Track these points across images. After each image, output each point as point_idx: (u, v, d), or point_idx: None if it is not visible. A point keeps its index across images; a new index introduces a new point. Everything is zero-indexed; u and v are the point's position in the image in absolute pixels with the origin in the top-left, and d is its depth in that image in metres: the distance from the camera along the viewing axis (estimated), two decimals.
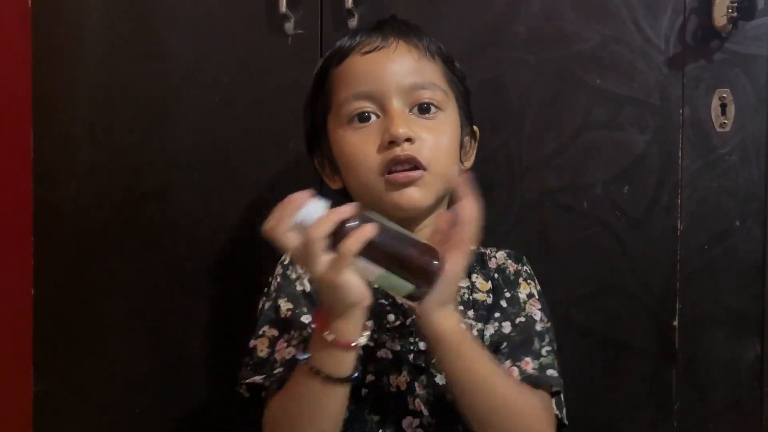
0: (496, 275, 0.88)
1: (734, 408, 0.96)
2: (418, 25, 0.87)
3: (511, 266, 0.89)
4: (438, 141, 0.82)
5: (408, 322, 0.81)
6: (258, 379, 0.79)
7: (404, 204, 0.81)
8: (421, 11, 0.99)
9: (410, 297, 0.72)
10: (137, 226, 1.09)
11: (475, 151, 0.91)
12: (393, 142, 0.79)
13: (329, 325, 0.70)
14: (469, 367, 0.74)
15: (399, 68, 0.82)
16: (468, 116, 0.89)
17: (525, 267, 0.90)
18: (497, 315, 0.84)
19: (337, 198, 0.83)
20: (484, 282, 0.87)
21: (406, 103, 0.82)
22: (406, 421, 0.79)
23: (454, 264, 0.71)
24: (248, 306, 1.06)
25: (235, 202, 1.06)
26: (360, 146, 0.81)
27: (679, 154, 0.96)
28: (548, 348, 0.84)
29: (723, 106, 0.95)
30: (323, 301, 0.72)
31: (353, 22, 1.02)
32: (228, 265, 1.07)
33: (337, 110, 0.83)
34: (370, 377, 0.80)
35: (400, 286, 0.70)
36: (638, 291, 0.98)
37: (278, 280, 0.85)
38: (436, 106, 0.83)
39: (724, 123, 0.95)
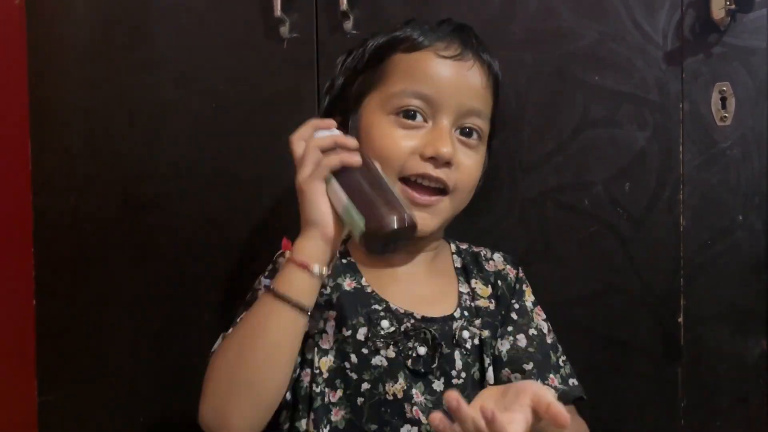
0: (498, 282, 0.87)
1: (741, 405, 0.95)
2: (491, 51, 0.86)
3: (511, 272, 0.89)
4: (470, 169, 0.83)
5: (402, 328, 0.80)
6: (222, 337, 0.79)
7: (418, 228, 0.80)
8: (417, 12, 0.98)
9: (361, 237, 0.73)
10: (137, 235, 1.08)
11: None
12: (433, 158, 0.79)
13: (292, 245, 0.73)
14: None
15: (467, 88, 0.82)
16: (489, 153, 0.89)
17: (521, 272, 0.91)
18: (510, 329, 0.84)
19: None
20: (484, 287, 0.87)
21: (455, 122, 0.82)
22: (404, 430, 0.78)
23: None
24: None
25: (233, 209, 1.06)
26: (397, 142, 0.80)
27: (680, 150, 0.96)
28: (563, 358, 0.86)
29: (723, 100, 0.94)
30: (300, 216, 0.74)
31: (348, 25, 1.01)
32: (227, 272, 1.06)
33: (388, 96, 0.81)
34: (365, 386, 0.79)
35: (355, 221, 0.73)
36: (641, 289, 0.97)
37: (270, 267, 0.86)
38: (479, 137, 0.83)
39: (725, 117, 0.94)
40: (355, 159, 0.73)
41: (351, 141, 0.75)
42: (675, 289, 0.96)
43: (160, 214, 1.08)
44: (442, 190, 0.81)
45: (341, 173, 0.74)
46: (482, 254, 0.91)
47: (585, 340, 0.98)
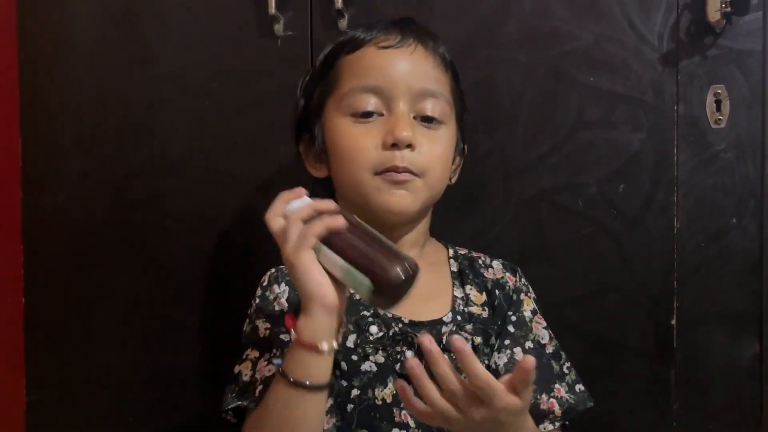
0: (496, 291, 0.86)
1: (733, 407, 0.95)
2: (436, 34, 0.86)
3: (510, 280, 0.88)
4: (436, 151, 0.81)
5: (391, 333, 0.80)
6: (241, 403, 0.77)
7: (394, 206, 0.80)
8: (412, 11, 0.98)
9: (370, 296, 0.70)
10: (127, 233, 1.07)
11: (459, 169, 0.91)
12: (395, 145, 0.79)
13: (296, 325, 0.71)
14: None
15: (414, 71, 0.81)
16: (462, 133, 0.89)
17: (522, 279, 0.90)
18: (507, 342, 0.83)
19: (316, 188, 0.84)
20: (479, 294, 0.86)
21: (412, 108, 0.81)
22: None
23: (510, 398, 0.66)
24: (241, 313, 1.05)
25: (226, 208, 1.05)
26: (359, 140, 0.80)
27: (674, 152, 0.96)
28: (567, 364, 0.85)
29: (718, 102, 0.94)
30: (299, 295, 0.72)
31: (343, 23, 1.01)
32: (219, 272, 1.05)
33: (341, 98, 0.82)
34: (355, 392, 0.78)
35: (360, 282, 0.70)
36: (635, 291, 0.97)
37: (257, 301, 0.85)
38: (438, 119, 0.82)
39: (719, 119, 0.94)
40: (339, 221, 0.70)
41: (329, 204, 0.73)
42: (668, 290, 0.96)
43: (152, 213, 1.07)
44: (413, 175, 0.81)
45: (329, 238, 0.70)
46: (480, 260, 0.90)
47: (579, 340, 0.97)
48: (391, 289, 0.69)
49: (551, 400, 0.81)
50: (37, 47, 1.10)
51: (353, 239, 0.71)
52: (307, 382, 0.70)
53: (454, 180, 0.89)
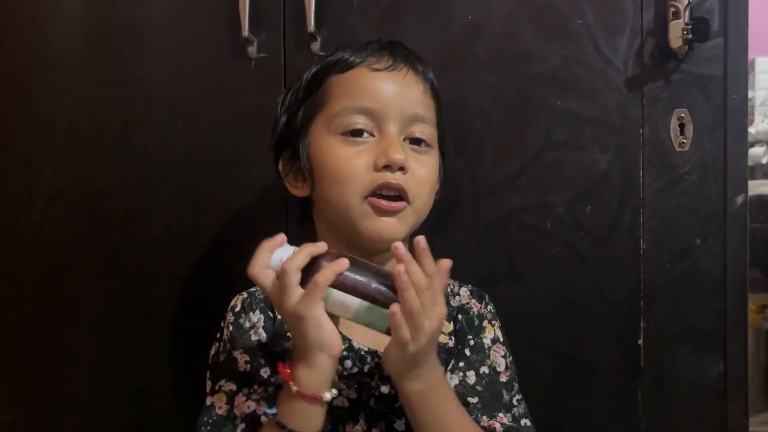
0: (459, 316, 0.86)
1: (700, 424, 0.97)
2: (425, 60, 0.87)
3: (475, 306, 0.87)
4: (425, 176, 0.81)
5: (366, 369, 0.79)
6: None
7: (383, 234, 0.79)
8: (382, 33, 0.99)
9: (389, 327, 0.70)
10: (101, 252, 1.08)
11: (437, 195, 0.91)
12: (387, 167, 0.78)
13: (294, 375, 0.69)
14: (429, 423, 0.72)
15: (405, 95, 0.81)
16: (442, 156, 0.89)
17: (489, 306, 0.89)
18: (461, 364, 0.82)
19: (291, 206, 0.83)
20: (447, 323, 0.84)
21: (402, 131, 0.81)
22: None
23: (391, 350, 0.70)
24: (217, 330, 1.06)
25: (200, 226, 1.05)
26: (349, 162, 0.79)
27: (640, 174, 0.97)
28: (518, 396, 0.84)
29: (681, 126, 0.96)
30: (294, 346, 0.70)
31: (316, 46, 1.02)
32: (194, 291, 1.06)
33: (331, 117, 0.80)
34: (325, 427, 0.76)
35: (380, 316, 0.69)
36: (603, 310, 0.98)
37: (230, 329, 0.81)
38: (427, 143, 0.83)
39: (683, 142, 0.96)
40: (344, 263, 0.69)
41: (321, 246, 0.71)
42: (635, 309, 0.97)
43: (126, 231, 1.07)
44: (402, 198, 0.80)
45: (333, 282, 0.69)
46: (449, 288, 0.89)
47: (547, 359, 0.98)
48: None
49: (492, 421, 0.79)
50: (13, 64, 1.10)
51: (359, 277, 0.69)
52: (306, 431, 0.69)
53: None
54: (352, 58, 0.83)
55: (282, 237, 0.72)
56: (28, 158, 1.10)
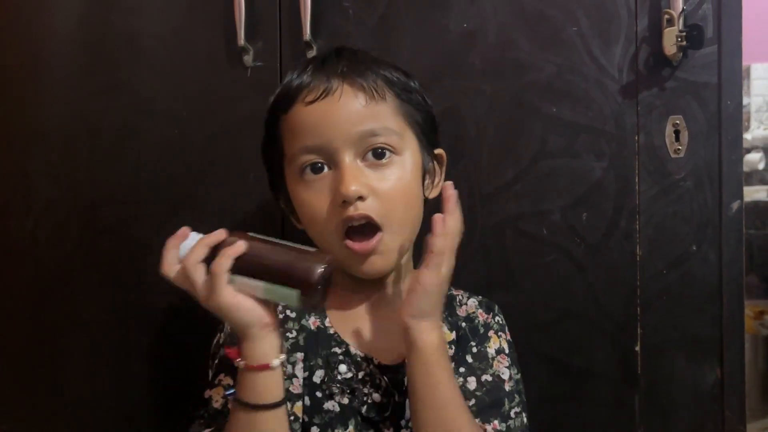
0: (463, 324, 0.86)
1: (697, 431, 0.96)
2: (364, 56, 0.83)
3: (481, 316, 0.87)
4: (392, 192, 0.78)
5: (360, 375, 0.79)
6: (209, 430, 0.76)
7: (371, 273, 0.80)
8: (377, 42, 1.00)
9: (300, 304, 0.70)
10: (96, 261, 1.08)
11: (442, 177, 0.88)
12: (346, 202, 0.77)
13: (241, 353, 0.71)
14: (435, 387, 0.74)
15: (346, 118, 0.78)
16: (431, 143, 0.85)
17: (497, 317, 0.89)
18: (462, 370, 0.82)
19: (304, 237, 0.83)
20: (449, 332, 0.85)
21: (357, 152, 0.78)
22: None
23: (426, 275, 0.74)
24: (213, 340, 1.05)
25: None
26: (314, 203, 0.79)
27: (636, 180, 0.97)
28: (517, 409, 0.82)
29: (676, 133, 0.96)
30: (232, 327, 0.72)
31: (312, 54, 1.02)
32: (189, 300, 1.05)
33: (290, 161, 0.81)
34: (315, 429, 0.78)
35: (286, 295, 0.70)
36: (599, 317, 0.98)
37: (227, 333, 0.83)
38: (390, 151, 0.79)
39: (678, 149, 0.97)
40: (240, 247, 0.70)
41: (218, 234, 0.72)
42: (631, 316, 0.97)
43: (121, 240, 1.07)
44: (375, 225, 0.79)
45: (234, 267, 0.70)
46: (458, 298, 0.89)
47: (543, 366, 0.98)
48: (317, 288, 0.70)
49: (485, 425, 0.79)
50: (7, 73, 1.10)
51: (258, 257, 0.70)
52: (266, 403, 0.70)
53: (434, 194, 0.87)
54: (291, 93, 0.80)
55: (184, 230, 0.74)
56: (23, 167, 1.10)
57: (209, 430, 0.77)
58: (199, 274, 0.70)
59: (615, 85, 0.98)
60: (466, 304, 0.89)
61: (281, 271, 0.70)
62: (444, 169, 0.90)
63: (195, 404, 0.81)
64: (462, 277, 0.95)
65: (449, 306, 0.88)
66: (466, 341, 0.85)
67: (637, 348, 0.97)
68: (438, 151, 0.88)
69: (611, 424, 0.98)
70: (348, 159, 0.78)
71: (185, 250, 0.72)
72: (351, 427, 0.78)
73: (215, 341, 0.85)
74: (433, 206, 0.84)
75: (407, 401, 0.78)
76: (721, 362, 0.95)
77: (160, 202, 1.06)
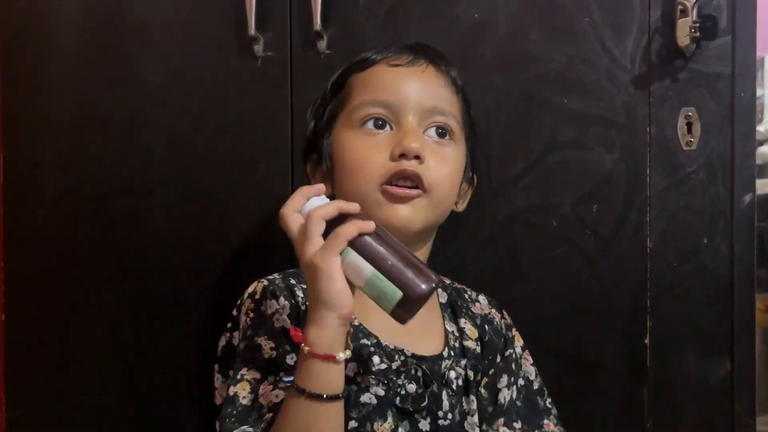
0: (486, 326, 0.87)
1: (706, 426, 0.96)
2: (449, 58, 0.88)
3: (496, 316, 0.89)
4: (443, 169, 0.81)
5: (393, 366, 0.79)
6: (247, 429, 0.73)
7: (396, 222, 0.79)
8: (388, 36, 1.00)
9: (395, 308, 0.68)
10: (107, 251, 1.08)
11: (468, 198, 0.91)
12: (403, 156, 0.79)
13: (306, 336, 0.68)
14: None
15: (423, 89, 0.83)
16: (472, 161, 0.89)
17: (507, 316, 0.91)
18: (505, 379, 0.84)
19: None
20: (473, 328, 0.86)
21: (421, 123, 0.82)
22: None
23: None
24: (221, 331, 1.06)
25: (206, 226, 1.05)
26: (367, 152, 0.80)
27: (647, 173, 0.97)
28: (549, 399, 0.88)
29: (689, 125, 0.96)
30: (308, 307, 0.70)
31: (322, 44, 1.02)
32: (199, 290, 1.06)
33: (351, 112, 0.82)
34: (353, 423, 0.76)
35: (387, 292, 0.67)
36: (608, 310, 0.98)
37: (251, 316, 0.79)
38: (450, 135, 0.83)
39: (690, 141, 0.96)
40: (371, 225, 0.69)
41: (353, 205, 0.71)
42: (641, 309, 0.97)
43: (131, 231, 1.07)
44: (418, 188, 0.80)
45: (354, 243, 0.67)
46: (467, 294, 0.90)
47: (552, 360, 0.98)
48: (417, 302, 0.68)
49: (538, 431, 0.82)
50: (19, 65, 1.11)
51: (381, 246, 0.68)
52: (325, 395, 0.68)
53: (462, 207, 0.89)
54: (373, 57, 0.85)
55: (320, 187, 0.73)
56: (34, 158, 1.10)
57: (243, 427, 0.73)
58: (317, 229, 0.68)
59: (627, 77, 0.97)
60: (478, 301, 0.90)
61: (397, 268, 0.67)
62: (472, 192, 0.91)
63: (219, 405, 0.79)
64: (470, 269, 0.96)
65: (464, 300, 0.88)
66: (493, 346, 0.86)
67: (647, 341, 0.97)
68: (473, 174, 0.91)
69: (620, 418, 0.98)
70: (413, 122, 0.81)
71: (313, 204, 0.70)
72: (389, 418, 0.77)
73: (225, 343, 0.83)
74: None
75: (444, 392, 0.79)
76: (731, 356, 0.95)
77: (170, 193, 1.06)
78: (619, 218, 0.97)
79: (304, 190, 0.72)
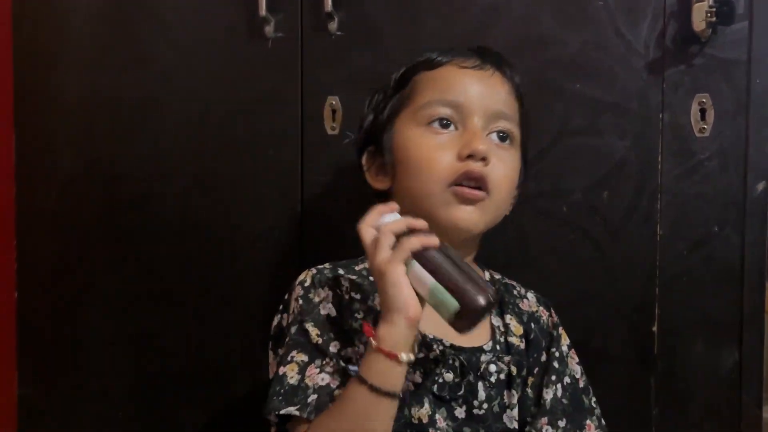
0: (531, 324, 0.88)
1: (713, 415, 0.96)
2: (513, 63, 0.88)
3: (543, 314, 0.90)
4: (506, 171, 0.83)
5: (431, 355, 0.81)
6: (292, 410, 0.76)
7: (461, 222, 0.81)
8: (400, 18, 0.99)
9: (453, 318, 0.72)
10: (118, 234, 1.09)
11: (515, 201, 0.90)
12: (470, 157, 0.80)
13: (376, 332, 0.72)
14: None
15: (491, 93, 0.84)
16: (525, 168, 0.89)
17: (554, 314, 0.91)
18: (553, 377, 0.85)
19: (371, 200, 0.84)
20: (518, 325, 0.86)
21: (486, 126, 0.83)
22: None
23: None
24: (230, 316, 1.07)
25: (216, 209, 1.06)
26: (434, 151, 0.81)
27: (659, 160, 0.96)
28: (594, 398, 0.88)
29: (702, 112, 0.94)
30: (381, 307, 0.74)
31: (333, 26, 1.02)
32: (209, 274, 1.06)
33: (417, 110, 0.83)
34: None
35: (446, 302, 0.71)
36: (617, 298, 0.97)
37: (300, 302, 0.82)
38: (510, 140, 0.84)
39: (704, 128, 0.95)
40: (434, 240, 0.73)
41: (421, 222, 0.75)
42: (650, 298, 0.97)
43: (142, 214, 1.08)
44: (482, 189, 0.81)
45: (419, 256, 0.73)
46: (516, 290, 0.91)
47: None
48: (474, 315, 0.71)
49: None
50: (32, 49, 1.11)
51: (443, 260, 0.72)
52: (384, 389, 0.71)
53: (508, 211, 0.89)
54: (440, 58, 0.86)
55: (395, 205, 0.77)
56: (46, 142, 1.11)
57: (289, 407, 0.76)
58: (387, 241, 0.73)
59: (641, 62, 0.96)
60: (526, 298, 0.90)
61: (455, 280, 0.72)
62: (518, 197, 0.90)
63: (268, 382, 0.80)
64: (480, 254, 0.95)
65: (509, 293, 0.89)
66: (538, 344, 0.86)
67: (655, 329, 0.97)
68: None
69: (627, 406, 0.98)
70: (479, 124, 0.82)
71: (386, 220, 0.75)
72: (427, 405, 0.79)
73: (276, 322, 0.84)
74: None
75: (480, 383, 0.81)
76: (739, 345, 0.95)
77: (181, 177, 1.07)
78: (630, 205, 0.97)
79: (379, 208, 0.76)
